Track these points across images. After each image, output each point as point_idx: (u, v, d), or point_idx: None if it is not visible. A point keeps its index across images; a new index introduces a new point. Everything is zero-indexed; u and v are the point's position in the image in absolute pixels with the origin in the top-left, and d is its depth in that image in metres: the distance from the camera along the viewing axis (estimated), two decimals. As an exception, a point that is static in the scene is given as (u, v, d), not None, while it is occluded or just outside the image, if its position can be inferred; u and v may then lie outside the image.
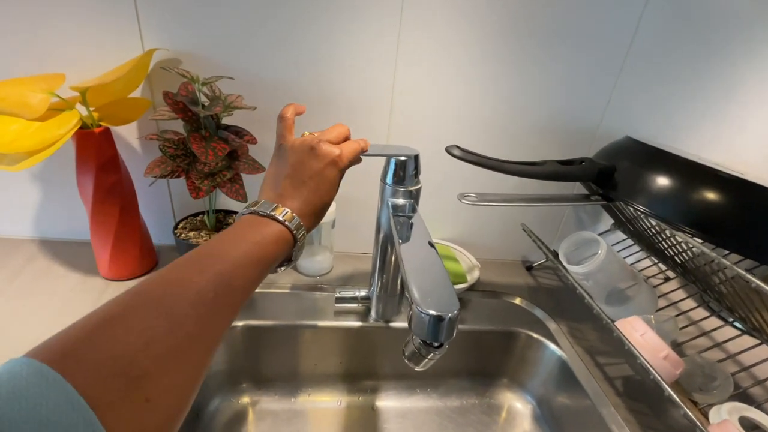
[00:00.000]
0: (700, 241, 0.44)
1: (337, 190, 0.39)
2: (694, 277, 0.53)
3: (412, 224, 0.45)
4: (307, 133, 0.40)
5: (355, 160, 0.41)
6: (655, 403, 0.49)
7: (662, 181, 0.46)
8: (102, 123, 0.51)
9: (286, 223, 0.33)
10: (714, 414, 0.41)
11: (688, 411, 0.37)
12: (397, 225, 0.44)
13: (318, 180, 0.36)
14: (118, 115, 0.52)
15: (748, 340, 0.49)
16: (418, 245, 0.40)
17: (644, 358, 0.42)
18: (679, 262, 0.52)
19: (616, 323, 0.47)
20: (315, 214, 0.37)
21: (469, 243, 0.71)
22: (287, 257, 0.36)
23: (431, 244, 0.40)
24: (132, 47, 0.52)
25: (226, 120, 0.50)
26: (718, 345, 0.50)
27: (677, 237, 0.46)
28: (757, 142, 0.66)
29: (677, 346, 0.53)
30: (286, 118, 0.39)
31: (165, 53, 0.53)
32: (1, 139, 0.46)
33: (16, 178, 0.60)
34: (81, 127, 0.49)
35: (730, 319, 0.57)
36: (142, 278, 0.25)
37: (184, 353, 0.23)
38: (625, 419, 0.47)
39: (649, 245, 0.60)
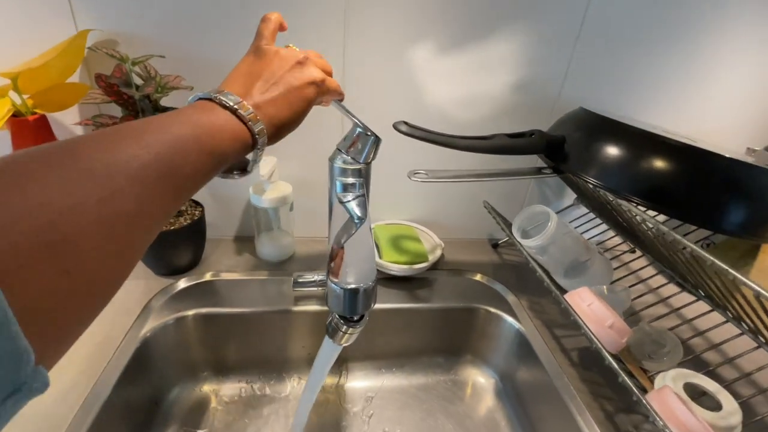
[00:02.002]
0: (652, 213, 0.44)
1: (305, 115, 0.35)
2: (649, 248, 0.53)
3: (356, 204, 0.44)
4: (292, 45, 0.38)
5: (333, 93, 0.38)
6: (606, 372, 0.49)
7: (611, 150, 0.46)
8: (37, 110, 0.49)
9: (249, 120, 0.28)
10: (659, 381, 0.41)
11: (626, 378, 0.38)
12: (341, 204, 0.43)
13: (295, 93, 0.32)
14: (54, 101, 0.50)
15: (705, 306, 0.50)
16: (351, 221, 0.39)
17: (588, 328, 0.42)
18: (634, 233, 0.52)
19: (565, 295, 0.47)
20: (278, 127, 0.32)
21: (434, 223, 0.71)
22: (242, 164, 0.32)
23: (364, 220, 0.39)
24: (65, 29, 0.50)
25: (164, 102, 0.48)
26: (674, 311, 0.50)
27: (627, 207, 0.46)
28: (715, 113, 0.66)
29: (632, 315, 0.54)
30: (271, 20, 0.36)
31: (100, 34, 0.51)
32: (-75, 129, 0.44)
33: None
34: (15, 115, 0.48)
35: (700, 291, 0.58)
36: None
37: (115, 229, 0.19)
38: (578, 389, 0.47)
39: (610, 217, 0.60)
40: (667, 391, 0.35)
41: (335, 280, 0.36)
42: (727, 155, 0.42)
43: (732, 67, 0.62)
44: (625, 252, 0.71)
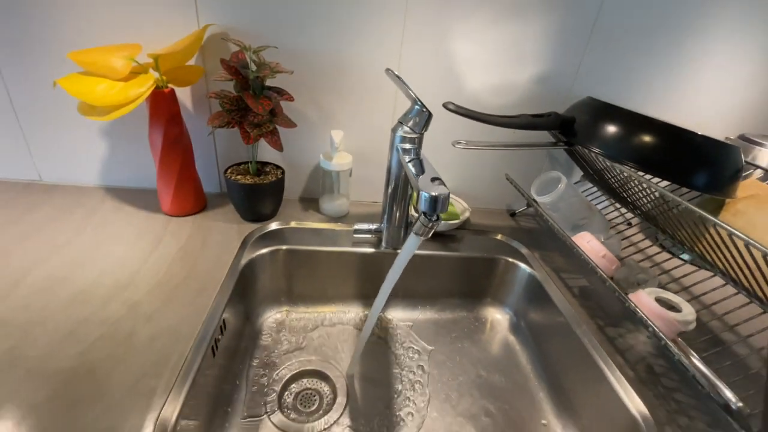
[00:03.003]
0: (642, 174, 0.58)
1: None
2: (638, 207, 0.67)
3: (420, 161, 0.58)
4: None
5: None
6: (602, 300, 0.64)
7: (611, 128, 0.60)
8: (169, 84, 0.63)
9: None
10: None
11: (612, 283, 0.52)
12: (406, 159, 0.57)
13: None
14: (181, 78, 0.65)
15: (678, 262, 0.64)
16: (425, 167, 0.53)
17: (588, 257, 0.56)
18: (630, 201, 0.66)
19: (572, 237, 0.61)
20: None
21: (462, 192, 0.85)
22: None
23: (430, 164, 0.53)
24: (189, 23, 0.64)
25: (268, 82, 0.63)
26: (648, 258, 0.64)
27: (620, 169, 0.59)
28: (703, 107, 0.79)
29: (620, 260, 0.68)
30: None
31: (215, 28, 0.65)
32: (92, 94, 0.59)
33: (85, 132, 0.73)
34: (154, 88, 0.62)
35: (680, 254, 0.72)
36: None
37: None
38: (578, 312, 0.61)
39: (610, 190, 0.74)
40: (642, 293, 0.49)
41: (427, 190, 0.48)
42: (697, 132, 0.56)
43: (718, 69, 0.76)
44: (620, 223, 0.85)
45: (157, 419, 0.39)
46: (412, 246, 0.48)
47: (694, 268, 0.64)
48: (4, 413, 0.38)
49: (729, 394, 0.44)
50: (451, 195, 0.84)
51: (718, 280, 0.55)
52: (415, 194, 0.70)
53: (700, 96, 0.78)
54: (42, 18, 0.63)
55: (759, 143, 0.73)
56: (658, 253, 0.76)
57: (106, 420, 0.39)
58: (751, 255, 0.47)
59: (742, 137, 0.76)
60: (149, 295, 0.54)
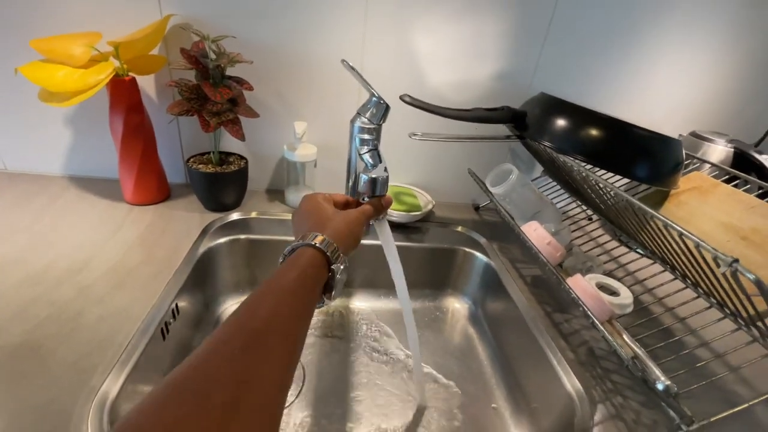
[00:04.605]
0: (588, 165, 0.60)
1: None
2: (590, 201, 0.69)
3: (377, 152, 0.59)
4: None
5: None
6: (551, 289, 0.66)
7: (559, 122, 0.62)
8: (130, 73, 0.64)
9: (317, 245, 0.35)
10: (582, 283, 0.57)
11: (552, 267, 0.54)
12: (363, 150, 0.59)
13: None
14: (142, 67, 0.66)
15: (625, 250, 0.66)
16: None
17: (533, 244, 0.58)
18: (578, 190, 0.69)
19: (521, 227, 0.63)
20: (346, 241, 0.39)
21: (427, 186, 0.87)
22: (328, 285, 0.37)
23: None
24: (151, 13, 0.65)
25: (228, 72, 0.64)
26: (606, 252, 0.66)
27: (570, 163, 0.62)
28: (654, 105, 0.82)
29: (570, 249, 0.70)
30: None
31: (177, 18, 0.66)
32: (51, 80, 0.59)
33: (50, 122, 0.73)
34: (114, 76, 0.63)
35: (638, 249, 0.74)
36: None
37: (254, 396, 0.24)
38: (528, 299, 0.63)
39: (565, 184, 0.76)
40: (579, 276, 0.51)
41: (367, 173, 0.50)
42: (639, 126, 0.58)
43: (667, 70, 0.79)
44: (582, 219, 0.88)
45: (95, 395, 0.40)
46: (384, 232, 0.49)
47: (648, 261, 0.67)
48: (-60, 388, 0.38)
49: (657, 372, 0.45)
50: (415, 188, 0.85)
51: (667, 273, 0.58)
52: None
53: (654, 94, 0.81)
54: (5, 6, 0.63)
55: (708, 139, 0.76)
56: (616, 247, 0.78)
57: (45, 394, 0.39)
58: (686, 245, 0.49)
59: (693, 134, 0.79)
60: (102, 279, 0.54)
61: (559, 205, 0.85)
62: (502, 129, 0.74)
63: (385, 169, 0.49)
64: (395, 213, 0.75)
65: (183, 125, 0.76)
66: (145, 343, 0.47)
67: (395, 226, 0.77)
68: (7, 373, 0.41)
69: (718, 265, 0.36)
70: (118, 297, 0.52)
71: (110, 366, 0.43)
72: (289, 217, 0.75)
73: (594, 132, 0.60)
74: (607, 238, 0.76)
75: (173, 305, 0.54)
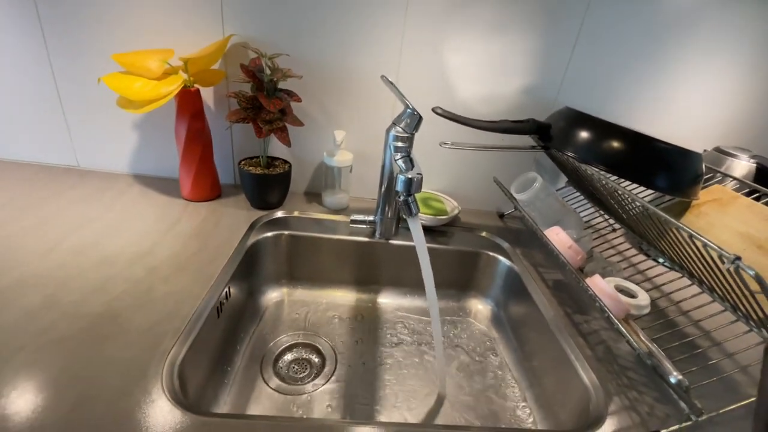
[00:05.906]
0: (613, 177, 0.64)
1: None
2: (612, 210, 0.72)
3: (410, 158, 0.65)
4: None
5: None
6: (572, 292, 0.69)
7: (582, 134, 0.66)
8: (195, 85, 0.73)
9: None
10: (602, 287, 0.60)
11: (572, 267, 0.57)
12: (396, 156, 0.65)
13: None
14: (206, 79, 0.75)
15: (643, 256, 0.69)
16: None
17: (554, 246, 0.62)
18: (602, 200, 0.72)
19: (544, 231, 0.67)
20: None
21: (453, 193, 0.92)
22: None
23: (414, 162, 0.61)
24: (216, 31, 0.74)
25: (280, 85, 0.71)
26: (626, 259, 0.69)
27: (591, 172, 0.66)
28: (687, 118, 0.85)
29: (591, 255, 0.73)
30: None
31: (237, 38, 0.75)
32: (130, 90, 0.68)
33: (121, 126, 0.83)
34: (182, 87, 0.72)
35: (659, 259, 0.77)
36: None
37: None
38: (549, 301, 0.67)
39: (590, 194, 0.80)
40: (597, 277, 0.55)
41: (404, 174, 0.56)
42: (661, 140, 0.62)
43: (692, 90, 0.82)
44: (605, 229, 0.90)
45: (167, 356, 0.47)
46: (416, 229, 0.55)
47: (665, 269, 0.69)
48: (44, 341, 0.46)
49: (670, 366, 0.49)
50: (442, 194, 0.91)
51: (685, 279, 0.60)
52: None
53: (678, 112, 0.84)
54: (94, 22, 0.74)
55: (731, 154, 0.79)
56: (635, 254, 0.81)
57: (127, 352, 0.46)
58: (699, 250, 0.52)
59: (717, 149, 0.82)
60: (166, 262, 0.62)
61: (582, 216, 0.88)
62: (527, 140, 0.78)
63: (419, 172, 0.54)
64: (423, 217, 0.81)
65: (235, 132, 0.84)
66: (205, 318, 0.54)
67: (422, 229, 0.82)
68: (94, 335, 0.48)
69: (723, 263, 0.39)
70: (181, 277, 0.59)
71: (177, 333, 0.50)
72: (325, 217, 0.82)
73: (616, 144, 0.64)
74: (627, 246, 0.79)
75: (227, 288, 0.61)
